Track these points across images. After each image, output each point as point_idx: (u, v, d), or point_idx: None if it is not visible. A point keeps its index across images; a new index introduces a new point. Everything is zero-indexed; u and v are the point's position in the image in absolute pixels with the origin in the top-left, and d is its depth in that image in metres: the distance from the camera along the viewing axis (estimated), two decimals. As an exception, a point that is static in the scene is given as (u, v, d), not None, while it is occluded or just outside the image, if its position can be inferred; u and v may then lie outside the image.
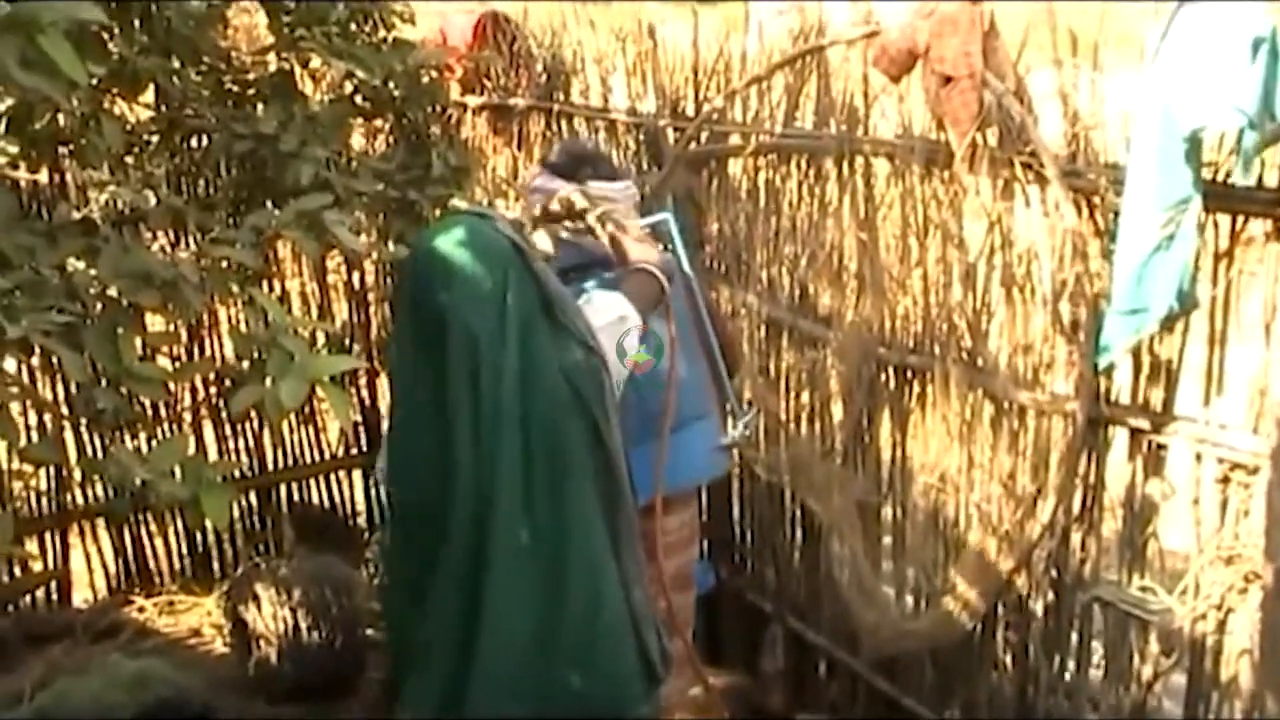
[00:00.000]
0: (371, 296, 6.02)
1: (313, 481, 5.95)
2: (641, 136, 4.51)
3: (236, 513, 5.61)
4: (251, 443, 5.71)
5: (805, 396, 4.08)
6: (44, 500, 5.22)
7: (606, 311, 2.80)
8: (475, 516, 2.48)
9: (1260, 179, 2.76)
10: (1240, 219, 2.85)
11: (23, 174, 3.35)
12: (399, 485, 2.65)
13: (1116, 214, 2.91)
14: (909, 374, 3.71)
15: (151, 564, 5.53)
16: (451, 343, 2.43)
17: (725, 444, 3.19)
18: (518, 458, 2.47)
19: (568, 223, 3.16)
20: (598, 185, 3.33)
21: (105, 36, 2.80)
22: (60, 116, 2.87)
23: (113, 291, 2.39)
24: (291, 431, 5.81)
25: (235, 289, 2.63)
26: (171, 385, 5.06)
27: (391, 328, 2.61)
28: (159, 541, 5.53)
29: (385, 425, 2.56)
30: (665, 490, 3.05)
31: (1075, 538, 3.32)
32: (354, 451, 6.06)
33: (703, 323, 3.23)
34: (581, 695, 2.57)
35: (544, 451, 2.51)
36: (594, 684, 2.59)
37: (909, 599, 3.87)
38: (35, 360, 4.40)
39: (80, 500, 5.30)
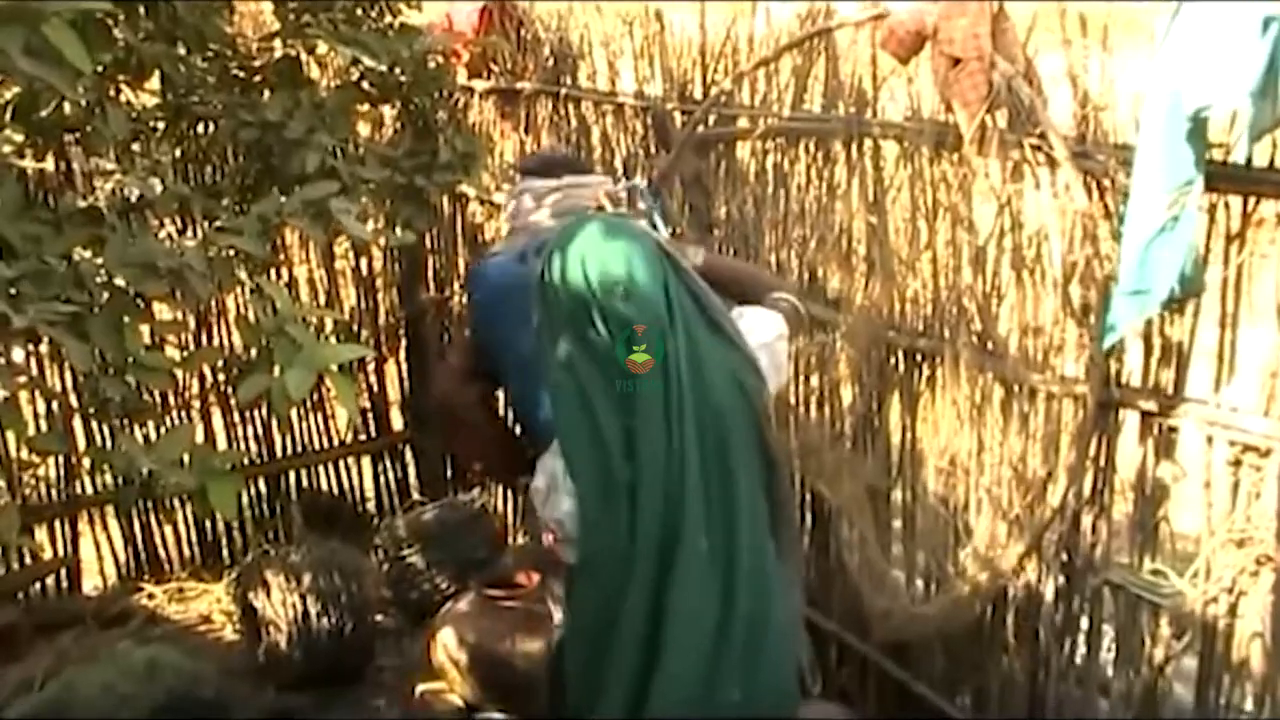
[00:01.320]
0: (379, 283, 6.03)
1: (321, 468, 5.97)
2: (649, 120, 4.50)
3: (245, 500, 5.62)
4: (260, 430, 5.72)
5: (814, 380, 4.07)
6: (53, 489, 5.24)
7: (764, 330, 2.78)
8: (664, 524, 2.45)
9: (1272, 160, 2.75)
10: (1252, 200, 2.84)
11: (29, 162, 3.35)
12: (588, 523, 2.56)
13: (1126, 195, 2.90)
14: (918, 357, 3.69)
15: (161, 551, 5.55)
16: (636, 345, 2.42)
17: None
18: (697, 449, 2.45)
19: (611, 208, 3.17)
20: (571, 178, 3.34)
21: (110, 24, 2.79)
22: (66, 104, 2.86)
23: (119, 280, 2.39)
24: (300, 419, 5.82)
25: (242, 277, 2.62)
26: (179, 374, 5.06)
27: (548, 355, 2.54)
28: (168, 529, 5.54)
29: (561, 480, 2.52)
30: None
31: (1086, 521, 3.32)
32: (363, 438, 6.07)
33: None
34: (743, 705, 2.54)
35: (715, 450, 2.48)
36: (756, 694, 2.57)
37: (919, 583, 3.87)
38: (43, 349, 4.41)
39: (89, 489, 5.30)
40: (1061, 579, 3.40)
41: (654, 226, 3.16)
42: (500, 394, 3.53)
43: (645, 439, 2.43)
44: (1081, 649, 3.42)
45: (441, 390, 3.49)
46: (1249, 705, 3.01)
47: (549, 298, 2.54)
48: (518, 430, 3.45)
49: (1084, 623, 3.40)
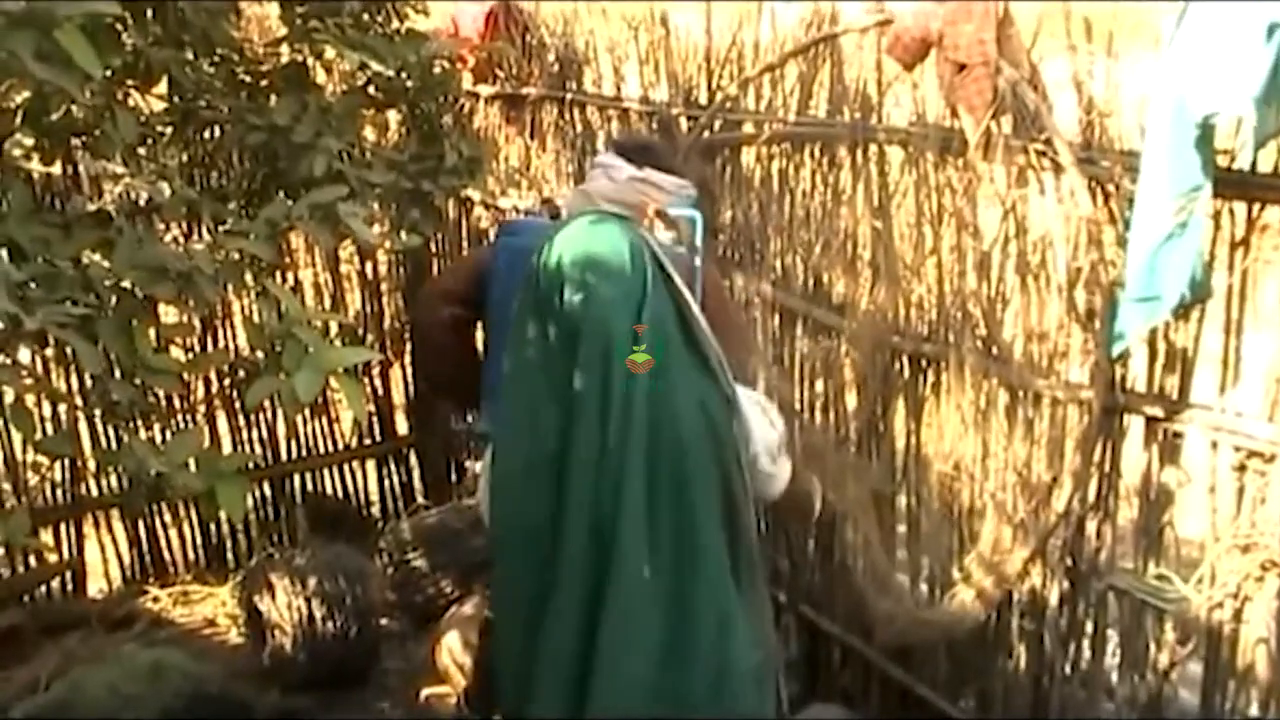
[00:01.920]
0: (384, 286, 6.03)
1: (327, 472, 5.97)
2: (654, 125, 4.50)
3: (250, 503, 5.62)
4: (265, 433, 5.73)
5: (819, 385, 4.08)
6: (59, 491, 5.24)
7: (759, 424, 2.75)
8: (594, 534, 2.39)
9: (1276, 167, 2.76)
10: (1257, 206, 2.84)
11: (37, 166, 3.35)
12: (506, 501, 2.53)
13: (1131, 201, 2.90)
14: (923, 362, 3.70)
15: (166, 554, 5.55)
16: (584, 343, 2.38)
17: None
18: (643, 470, 2.39)
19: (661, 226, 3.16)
20: (653, 174, 3.34)
21: (119, 28, 2.80)
22: (75, 108, 2.87)
23: (127, 283, 2.39)
24: (305, 422, 5.83)
25: (249, 281, 2.62)
26: (186, 377, 5.07)
27: (512, 333, 2.50)
28: (173, 532, 5.55)
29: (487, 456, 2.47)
30: None
31: (1090, 526, 3.32)
32: (368, 442, 6.08)
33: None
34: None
35: (670, 472, 2.41)
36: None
37: (923, 588, 3.87)
38: (50, 352, 4.41)
39: (95, 491, 5.31)
40: (1066, 584, 3.40)
41: (693, 264, 3.15)
42: (480, 327, 3.52)
43: (577, 445, 2.39)
44: (1086, 654, 3.43)
45: (419, 304, 3.49)
46: (1254, 710, 3.01)
47: (531, 276, 2.53)
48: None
49: (1089, 627, 3.41)
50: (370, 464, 6.15)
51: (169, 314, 3.39)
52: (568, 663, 2.42)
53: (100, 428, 5.02)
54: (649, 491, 2.39)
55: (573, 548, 2.38)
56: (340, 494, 6.02)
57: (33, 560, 5.18)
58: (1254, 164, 2.78)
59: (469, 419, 3.39)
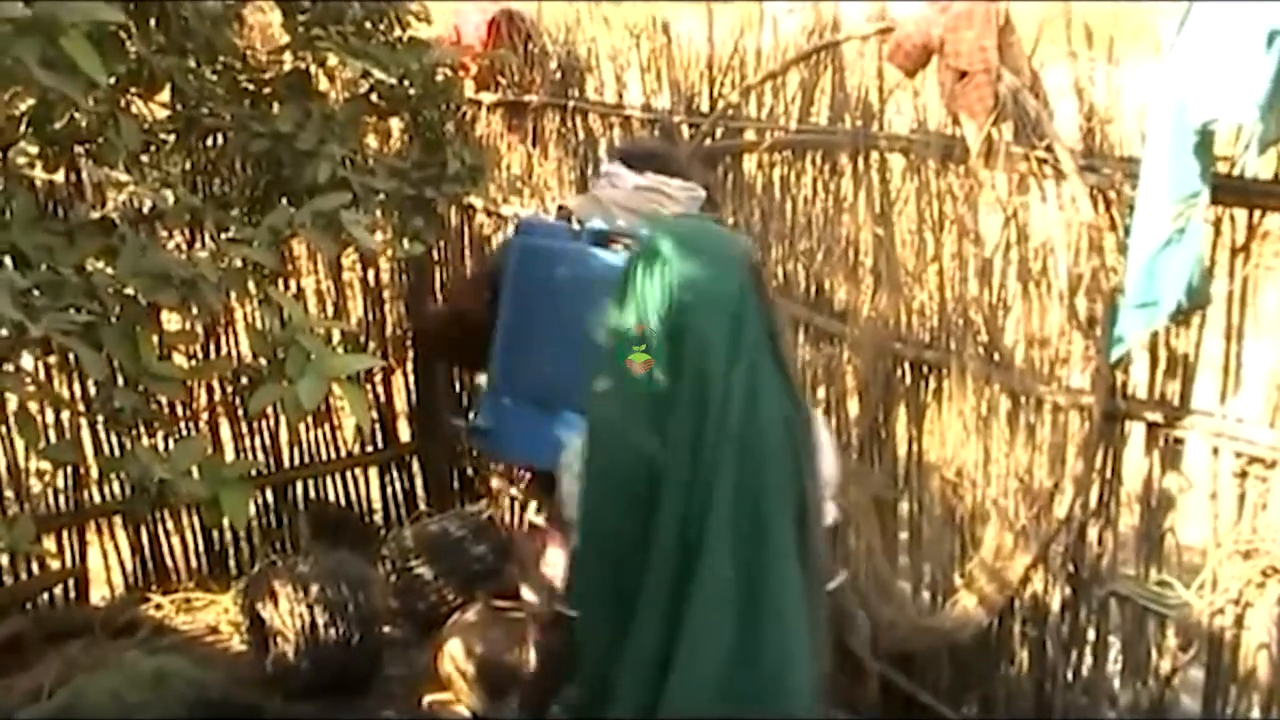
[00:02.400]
0: (387, 294, 6.04)
1: (329, 479, 5.97)
2: (656, 133, 4.51)
3: (253, 511, 5.62)
4: (268, 440, 5.73)
5: (821, 392, 4.08)
6: (62, 498, 5.24)
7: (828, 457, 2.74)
8: (682, 541, 2.37)
9: (1277, 174, 2.76)
10: (1257, 213, 2.85)
11: (41, 173, 3.36)
12: (597, 504, 2.48)
13: (1132, 207, 2.91)
14: (925, 369, 3.70)
15: (169, 561, 5.55)
16: (685, 349, 2.35)
17: None
18: (732, 484, 2.37)
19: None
20: (655, 178, 3.34)
21: (123, 36, 2.81)
22: (78, 116, 2.87)
23: (131, 291, 2.40)
24: (308, 429, 5.82)
25: (252, 288, 2.63)
26: (189, 384, 5.07)
27: (608, 328, 2.47)
28: (176, 539, 5.55)
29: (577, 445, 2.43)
30: None
31: (1092, 532, 3.32)
32: (370, 449, 6.07)
33: None
34: None
35: (752, 485, 2.39)
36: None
37: (925, 594, 3.87)
38: (54, 359, 4.42)
39: (98, 498, 5.31)
40: (1068, 590, 3.41)
41: None
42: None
43: (674, 454, 2.39)
44: (1088, 660, 3.43)
45: (458, 291, 3.50)
46: (1255, 716, 3.01)
47: (630, 276, 2.48)
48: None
49: (1090, 634, 3.41)
50: (373, 471, 6.15)
51: (172, 321, 3.39)
52: (649, 665, 2.42)
53: (104, 435, 5.03)
54: (738, 490, 2.39)
55: (663, 554, 2.38)
56: (343, 501, 6.02)
57: (36, 567, 5.18)
58: (1246, 170, 2.78)
59: (469, 416, 3.40)
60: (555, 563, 3.36)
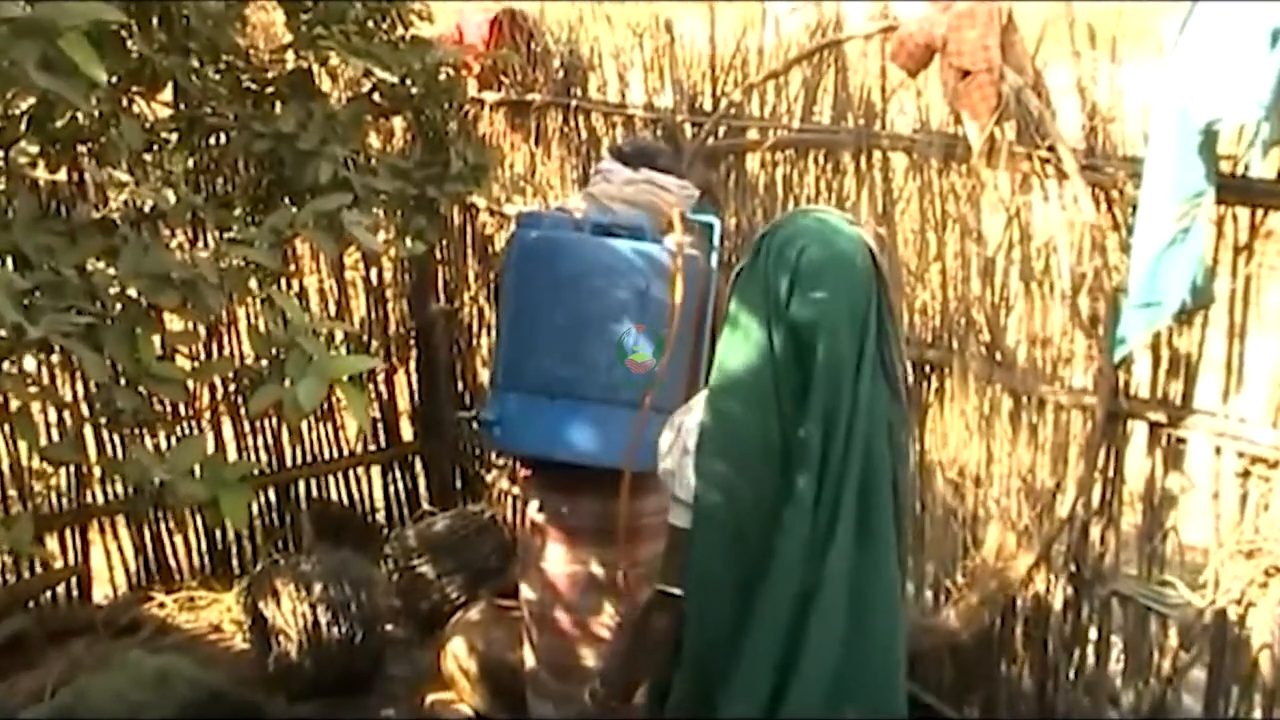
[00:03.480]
0: (389, 293, 6.05)
1: (331, 478, 5.99)
2: (659, 132, 4.51)
3: (255, 509, 5.63)
4: (270, 439, 5.74)
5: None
6: (64, 498, 5.25)
7: None
8: (814, 528, 2.37)
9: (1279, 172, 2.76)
10: (1260, 212, 2.84)
11: (42, 173, 3.36)
12: (720, 498, 2.45)
13: (1135, 207, 2.90)
14: (927, 368, 3.70)
15: (171, 560, 5.57)
16: (816, 341, 2.32)
17: None
18: (858, 478, 2.37)
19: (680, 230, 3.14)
20: (653, 175, 3.34)
21: (124, 35, 2.81)
22: (80, 115, 2.87)
23: (132, 291, 2.39)
24: (310, 428, 5.84)
25: (254, 288, 2.63)
26: (190, 384, 5.08)
27: (722, 315, 2.44)
28: (179, 538, 5.56)
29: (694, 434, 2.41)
30: (570, 458, 3.14)
31: (1094, 532, 3.32)
32: (373, 448, 6.09)
33: (703, 328, 3.21)
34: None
35: (870, 483, 2.41)
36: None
37: (928, 594, 3.87)
38: (55, 359, 4.42)
39: (100, 498, 5.32)
40: (1070, 590, 3.40)
41: (708, 270, 3.14)
42: None
43: (806, 446, 2.35)
44: (1090, 660, 3.43)
45: None
46: (1258, 716, 3.01)
47: (753, 266, 2.45)
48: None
49: (1093, 633, 3.41)
50: (375, 470, 6.16)
51: (174, 322, 3.39)
52: (771, 661, 2.42)
53: (105, 435, 5.03)
54: (861, 494, 2.41)
55: (795, 541, 2.38)
56: (345, 500, 6.04)
57: (38, 567, 5.19)
58: (1249, 169, 2.78)
59: (471, 409, 3.40)
60: (555, 559, 3.36)
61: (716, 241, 3.13)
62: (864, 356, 2.36)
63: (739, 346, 2.42)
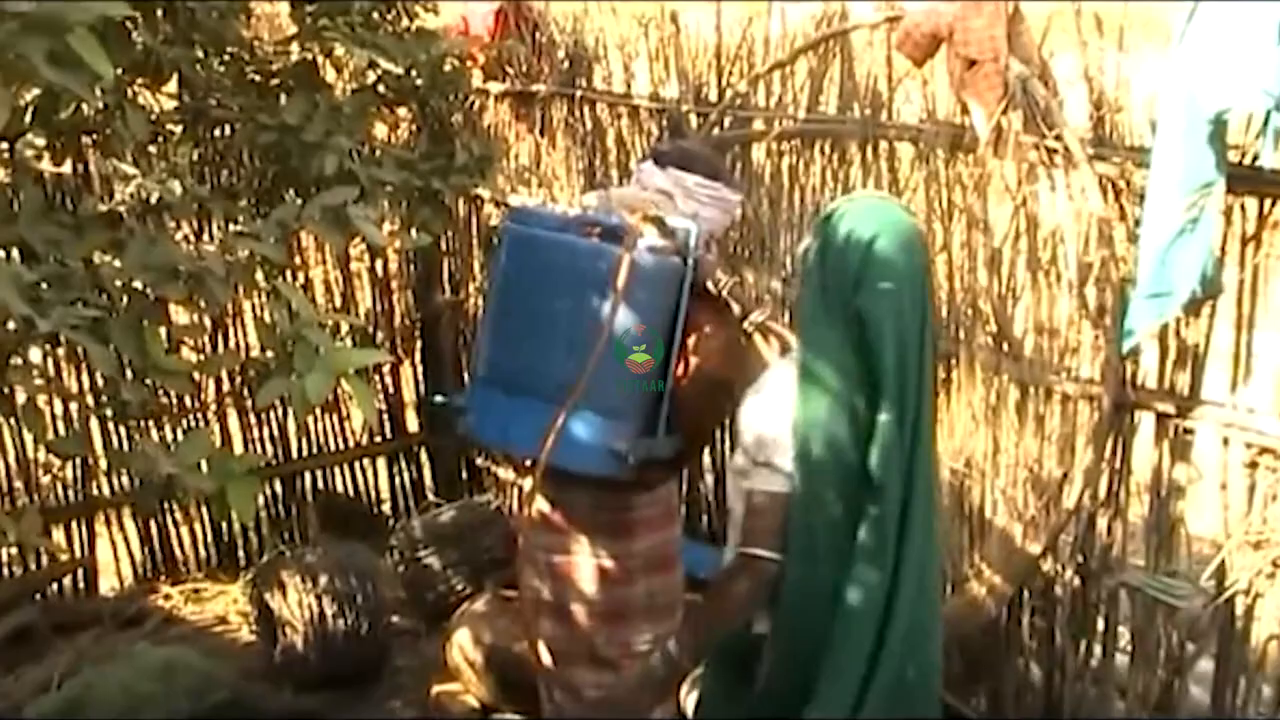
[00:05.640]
0: (395, 284, 6.04)
1: (337, 470, 5.98)
2: (665, 122, 4.50)
3: (261, 501, 5.63)
4: (276, 431, 5.74)
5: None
6: (70, 490, 5.25)
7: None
8: (904, 501, 2.47)
9: (1289, 163, 2.75)
10: (1268, 202, 2.84)
11: (48, 166, 3.36)
12: (817, 464, 2.50)
13: (1142, 197, 2.90)
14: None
15: (177, 552, 5.57)
16: (890, 342, 2.40)
17: (617, 449, 3.16)
18: (926, 453, 2.51)
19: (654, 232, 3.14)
20: (675, 173, 3.32)
21: (129, 27, 2.80)
22: (85, 107, 2.87)
23: (138, 284, 2.39)
24: (316, 420, 5.83)
25: (260, 281, 2.62)
26: (197, 377, 5.08)
27: (803, 300, 2.51)
28: (185, 530, 5.56)
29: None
30: (531, 456, 3.09)
31: (1101, 523, 3.32)
32: (379, 439, 6.08)
33: (671, 336, 3.20)
34: (913, 687, 2.58)
35: (926, 465, 2.54)
36: (922, 677, 2.62)
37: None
38: (61, 352, 4.42)
39: (106, 490, 5.32)
40: (1077, 581, 3.40)
41: (683, 274, 3.13)
42: None
43: (887, 426, 2.44)
44: (1097, 651, 3.43)
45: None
46: (1265, 706, 3.01)
47: (824, 253, 2.49)
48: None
49: (1100, 624, 3.41)
50: (381, 461, 6.15)
51: (180, 314, 3.40)
52: (862, 656, 2.50)
53: (111, 427, 5.03)
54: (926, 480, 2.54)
55: (880, 551, 2.46)
56: (351, 492, 6.03)
57: (45, 559, 5.19)
58: (1260, 159, 2.78)
59: (446, 394, 3.40)
60: (551, 549, 3.35)
61: (694, 246, 3.11)
62: (924, 342, 2.45)
63: (817, 329, 2.50)
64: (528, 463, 3.71)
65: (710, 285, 3.09)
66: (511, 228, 3.29)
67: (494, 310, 3.31)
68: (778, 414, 2.53)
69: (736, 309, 3.08)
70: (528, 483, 3.41)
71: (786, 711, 2.56)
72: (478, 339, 3.43)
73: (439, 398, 3.56)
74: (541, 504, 3.31)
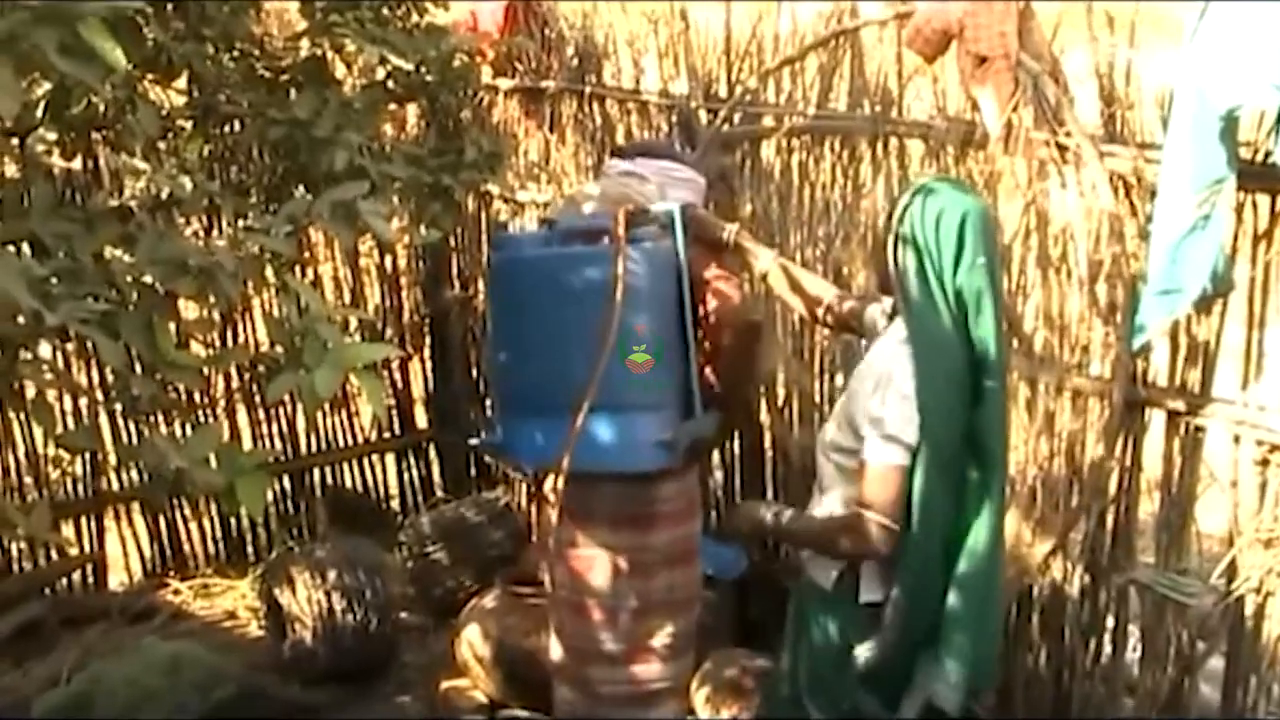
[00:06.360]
0: (404, 280, 6.05)
1: (346, 466, 5.99)
2: (674, 118, 4.50)
3: (270, 497, 5.63)
4: (285, 427, 5.75)
5: (840, 378, 4.07)
6: (80, 485, 5.26)
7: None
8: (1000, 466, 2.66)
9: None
10: (1279, 199, 2.83)
11: (58, 161, 3.36)
12: (933, 498, 2.64)
13: (1153, 194, 2.89)
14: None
15: (186, 547, 5.58)
16: (988, 316, 2.58)
17: (664, 440, 3.15)
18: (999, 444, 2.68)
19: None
20: (642, 160, 3.33)
21: (141, 22, 2.80)
22: (96, 102, 2.87)
23: (148, 279, 2.39)
24: (325, 416, 5.84)
25: (270, 276, 2.62)
26: (206, 372, 5.08)
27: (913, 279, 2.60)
28: (194, 525, 5.57)
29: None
30: (586, 468, 3.10)
31: (1111, 520, 3.31)
32: (387, 435, 6.09)
33: (683, 317, 3.19)
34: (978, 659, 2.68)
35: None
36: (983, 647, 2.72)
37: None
38: (71, 347, 4.43)
39: (116, 485, 5.33)
40: (1087, 578, 3.40)
41: (677, 258, 3.13)
42: None
43: (992, 394, 2.62)
44: (1107, 648, 3.42)
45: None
46: (1276, 705, 3.01)
47: (914, 237, 2.64)
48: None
49: (1109, 622, 3.40)
50: (390, 457, 6.17)
51: (190, 309, 3.39)
52: (980, 618, 2.69)
53: (121, 422, 5.04)
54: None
55: (988, 514, 2.64)
56: (360, 487, 6.05)
57: (54, 553, 5.20)
58: (1273, 156, 2.76)
59: (482, 434, 3.40)
60: (577, 544, 3.35)
61: (680, 228, 3.11)
62: (999, 315, 2.61)
63: (923, 309, 2.64)
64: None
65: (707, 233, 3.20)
66: (498, 257, 3.30)
67: (503, 340, 3.31)
68: (895, 389, 2.63)
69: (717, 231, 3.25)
70: (549, 482, 3.41)
71: (899, 671, 2.73)
72: (490, 374, 3.42)
73: (473, 440, 3.55)
74: (564, 499, 3.31)
